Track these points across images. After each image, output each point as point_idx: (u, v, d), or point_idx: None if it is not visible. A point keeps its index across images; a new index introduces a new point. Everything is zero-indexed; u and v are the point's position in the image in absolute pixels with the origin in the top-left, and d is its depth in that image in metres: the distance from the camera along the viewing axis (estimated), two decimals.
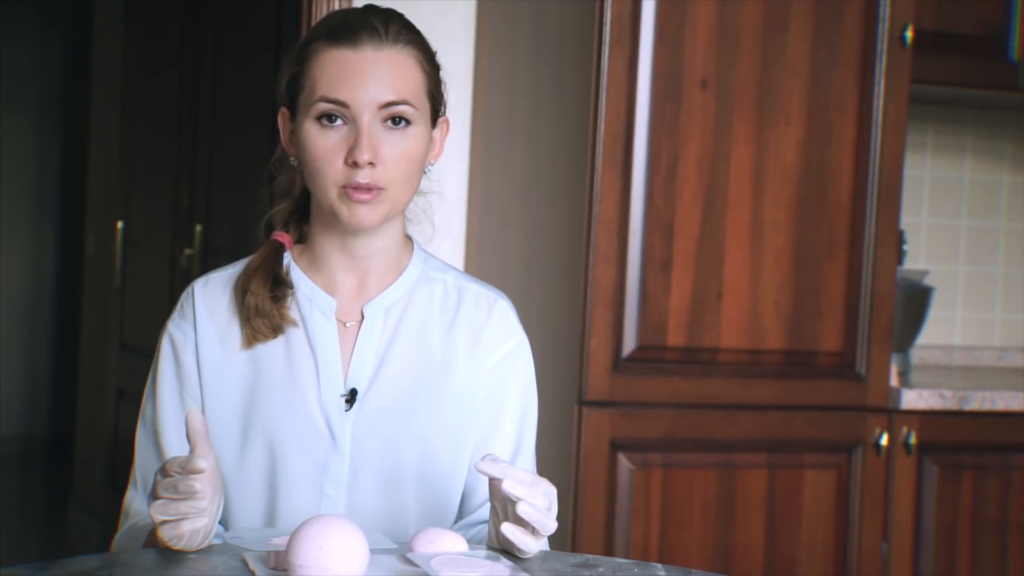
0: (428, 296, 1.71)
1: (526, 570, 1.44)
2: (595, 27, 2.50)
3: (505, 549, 1.50)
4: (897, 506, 2.71)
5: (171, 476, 1.41)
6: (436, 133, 1.69)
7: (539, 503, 1.46)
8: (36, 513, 5.84)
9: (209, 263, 3.56)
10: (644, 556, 2.53)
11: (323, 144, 1.60)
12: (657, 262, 2.53)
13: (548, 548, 1.62)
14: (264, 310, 1.65)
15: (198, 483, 1.40)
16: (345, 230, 1.65)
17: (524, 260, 2.75)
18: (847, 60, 2.63)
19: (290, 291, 1.67)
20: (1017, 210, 3.56)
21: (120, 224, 4.50)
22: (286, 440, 1.63)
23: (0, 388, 7.11)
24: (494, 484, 1.47)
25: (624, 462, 2.53)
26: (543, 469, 1.82)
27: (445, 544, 1.45)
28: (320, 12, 2.84)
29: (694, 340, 2.56)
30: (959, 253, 3.52)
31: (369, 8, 1.66)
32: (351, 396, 1.64)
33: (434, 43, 1.70)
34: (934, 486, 2.76)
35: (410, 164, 1.62)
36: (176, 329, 1.68)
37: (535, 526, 1.46)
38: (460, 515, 1.70)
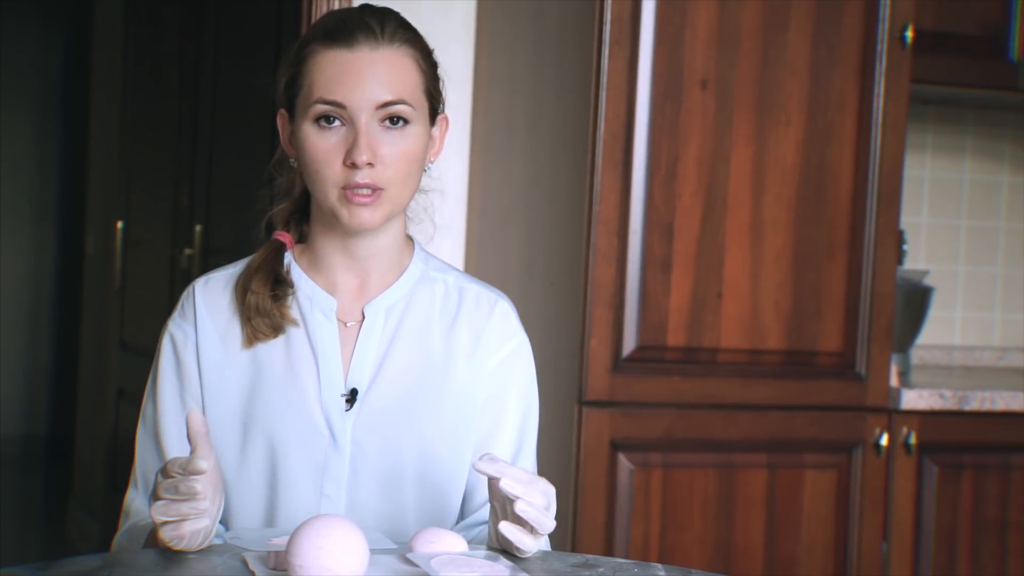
0: (429, 296, 1.71)
1: (526, 570, 1.43)
2: (595, 27, 2.50)
3: (504, 549, 1.50)
4: (897, 506, 2.72)
5: (172, 477, 1.41)
6: (435, 131, 1.69)
7: (537, 501, 1.46)
8: (36, 513, 5.84)
9: (209, 263, 3.56)
10: (644, 556, 2.53)
11: (321, 146, 1.60)
12: (657, 262, 2.53)
13: (549, 548, 1.62)
14: (265, 309, 1.65)
15: (199, 484, 1.40)
16: (346, 231, 1.65)
17: (524, 260, 2.75)
18: (847, 60, 2.63)
19: (291, 290, 1.67)
20: (1017, 210, 3.56)
21: (120, 224, 4.50)
22: (286, 440, 1.63)
23: (0, 388, 7.11)
24: (492, 483, 1.47)
25: (624, 462, 2.53)
26: (543, 469, 1.82)
27: (445, 544, 1.45)
28: (320, 12, 2.84)
29: (694, 340, 2.56)
30: (959, 253, 3.52)
31: (365, 8, 1.66)
32: (351, 396, 1.64)
33: (434, 43, 1.70)
34: (934, 486, 2.76)
35: (409, 163, 1.62)
36: (177, 328, 1.68)
37: (533, 525, 1.46)
38: (462, 516, 1.71)
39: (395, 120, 1.61)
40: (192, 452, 1.42)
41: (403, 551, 1.46)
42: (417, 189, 1.67)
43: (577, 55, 2.56)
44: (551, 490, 1.49)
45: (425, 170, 1.68)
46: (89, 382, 5.10)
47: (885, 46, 2.65)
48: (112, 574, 1.36)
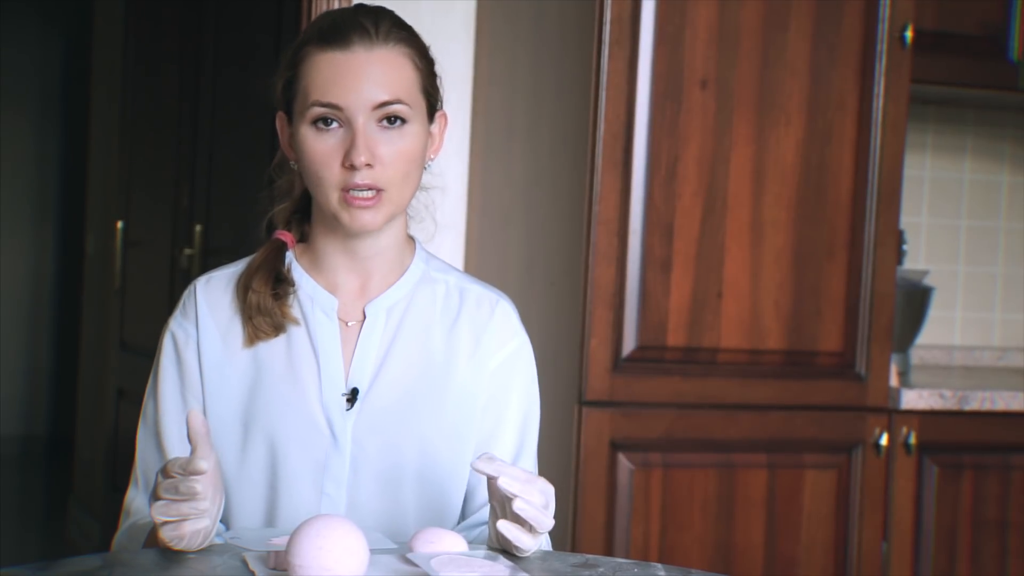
0: (430, 297, 1.71)
1: (525, 570, 1.43)
2: (595, 27, 2.50)
3: (504, 548, 1.50)
4: (897, 506, 2.72)
5: (172, 477, 1.41)
6: (434, 128, 1.69)
7: (535, 500, 1.46)
8: (36, 513, 5.84)
9: (209, 263, 3.56)
10: (644, 556, 2.53)
11: (320, 148, 1.60)
12: (657, 262, 2.53)
13: (550, 547, 1.62)
14: (266, 308, 1.65)
15: (199, 484, 1.40)
16: (347, 233, 1.65)
17: (524, 260, 2.75)
18: (847, 60, 2.63)
19: (292, 289, 1.67)
20: (1017, 210, 3.56)
21: (120, 224, 4.50)
22: (287, 439, 1.63)
23: (0, 388, 7.11)
24: (491, 483, 1.47)
25: (624, 462, 2.53)
26: (543, 469, 1.82)
27: (445, 544, 1.45)
28: (319, 11, 2.84)
29: (694, 340, 2.56)
30: (959, 253, 3.52)
31: (359, 8, 1.65)
32: (352, 395, 1.64)
33: (434, 43, 1.70)
34: (934, 486, 2.76)
35: (408, 163, 1.62)
36: (178, 327, 1.68)
37: (531, 523, 1.46)
38: (463, 516, 1.71)
39: (392, 120, 1.61)
40: (192, 452, 1.42)
41: (403, 551, 1.46)
42: (418, 187, 1.67)
43: (577, 55, 2.56)
44: (549, 489, 1.49)
45: (425, 167, 1.67)
46: (89, 382, 5.10)
47: (885, 46, 2.65)
48: (112, 574, 1.36)
